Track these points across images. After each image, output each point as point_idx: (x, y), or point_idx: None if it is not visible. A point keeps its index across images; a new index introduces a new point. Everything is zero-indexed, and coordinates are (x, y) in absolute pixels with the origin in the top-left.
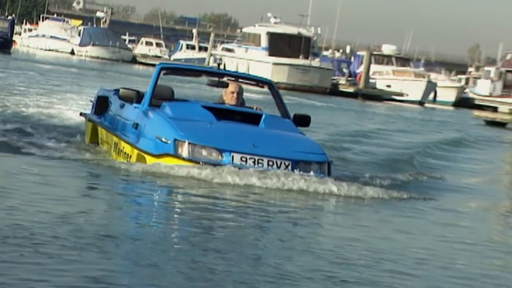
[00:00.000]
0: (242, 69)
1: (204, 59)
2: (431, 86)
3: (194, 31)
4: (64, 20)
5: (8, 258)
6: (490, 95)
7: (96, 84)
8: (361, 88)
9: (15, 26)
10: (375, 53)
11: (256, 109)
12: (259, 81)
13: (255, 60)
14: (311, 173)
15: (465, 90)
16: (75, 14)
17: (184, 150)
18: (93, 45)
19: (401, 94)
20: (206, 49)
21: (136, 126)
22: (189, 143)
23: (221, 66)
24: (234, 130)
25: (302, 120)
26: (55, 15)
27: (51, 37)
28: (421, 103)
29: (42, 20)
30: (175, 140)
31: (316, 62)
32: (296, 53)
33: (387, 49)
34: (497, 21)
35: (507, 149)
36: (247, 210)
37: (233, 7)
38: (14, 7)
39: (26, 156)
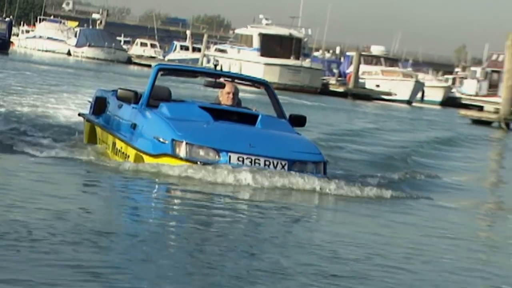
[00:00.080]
0: (234, 69)
1: (197, 59)
2: (419, 86)
3: (188, 32)
4: (60, 22)
5: (5, 253)
6: (476, 95)
7: (92, 84)
8: (350, 87)
9: (13, 28)
10: (364, 53)
11: (255, 110)
12: (256, 82)
13: (247, 61)
14: (307, 172)
15: (452, 90)
16: (71, 16)
17: (182, 150)
18: (89, 46)
19: (389, 94)
20: (199, 50)
21: (134, 126)
22: (186, 143)
23: (218, 67)
24: (231, 130)
25: (298, 120)
26: (52, 17)
27: (48, 38)
28: (409, 102)
29: (39, 22)
30: (172, 140)
31: (306, 63)
32: (287, 53)
33: (376, 49)
34: (483, 22)
35: (493, 147)
36: (241, 207)
37: (225, 9)
38: (12, 8)
39: (24, 155)
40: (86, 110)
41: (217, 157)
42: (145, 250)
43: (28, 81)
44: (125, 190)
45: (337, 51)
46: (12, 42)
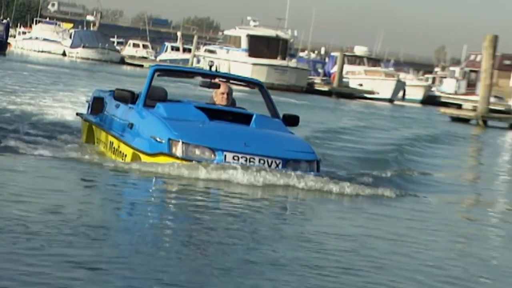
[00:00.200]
0: (223, 69)
1: (188, 60)
2: (400, 85)
3: (179, 33)
4: (56, 24)
5: (2, 246)
6: (455, 93)
7: (86, 83)
8: (335, 86)
9: (10, 29)
10: (348, 54)
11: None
12: (250, 83)
13: (235, 61)
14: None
15: (432, 89)
16: (66, 18)
17: (178, 149)
18: (84, 47)
19: (372, 92)
20: (189, 50)
21: (131, 126)
22: (182, 142)
23: (213, 68)
24: (226, 129)
25: (291, 120)
26: (47, 19)
27: (44, 39)
28: (390, 100)
29: (35, 24)
30: (169, 139)
31: (293, 63)
32: (274, 54)
33: (359, 50)
34: (461, 24)
35: (472, 144)
36: (232, 202)
37: (215, 11)
38: (9, 11)
39: (20, 154)
40: (83, 110)
41: (212, 156)
42: (138, 243)
43: (24, 80)
44: (122, 187)
45: (322, 51)
46: (9, 43)
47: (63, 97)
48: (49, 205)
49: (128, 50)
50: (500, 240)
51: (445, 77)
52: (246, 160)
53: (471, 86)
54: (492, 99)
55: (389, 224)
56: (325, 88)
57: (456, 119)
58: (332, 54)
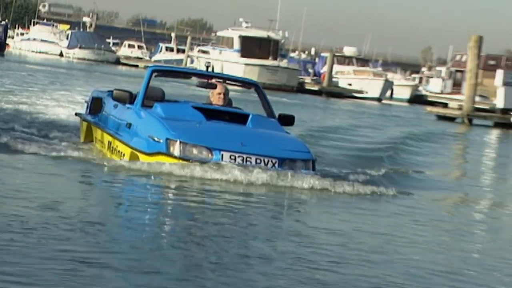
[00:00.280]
0: (216, 70)
1: (181, 60)
2: (388, 85)
3: (173, 34)
4: (53, 25)
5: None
6: (441, 93)
7: (83, 83)
8: (325, 86)
9: (8, 31)
10: (337, 54)
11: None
12: (246, 83)
13: (228, 61)
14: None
15: (419, 88)
16: (63, 20)
17: (176, 149)
18: (80, 47)
19: (361, 92)
20: (183, 51)
21: (129, 125)
22: (180, 142)
23: (210, 69)
24: (223, 129)
25: (287, 120)
26: (45, 20)
27: (42, 40)
28: (379, 99)
29: (33, 25)
30: (167, 139)
31: (284, 63)
32: (265, 54)
33: (348, 50)
34: (447, 26)
35: (458, 141)
36: (228, 200)
37: (208, 12)
38: (7, 12)
39: (19, 153)
40: (80, 108)
41: (210, 155)
42: (133, 238)
43: (22, 80)
44: (119, 185)
45: (312, 52)
46: (7, 44)
47: (60, 96)
48: (47, 201)
49: (123, 51)
50: (484, 235)
51: (431, 77)
52: (243, 160)
53: (456, 86)
54: (477, 98)
55: (376, 220)
56: (315, 88)
57: (442, 118)
58: (322, 54)
